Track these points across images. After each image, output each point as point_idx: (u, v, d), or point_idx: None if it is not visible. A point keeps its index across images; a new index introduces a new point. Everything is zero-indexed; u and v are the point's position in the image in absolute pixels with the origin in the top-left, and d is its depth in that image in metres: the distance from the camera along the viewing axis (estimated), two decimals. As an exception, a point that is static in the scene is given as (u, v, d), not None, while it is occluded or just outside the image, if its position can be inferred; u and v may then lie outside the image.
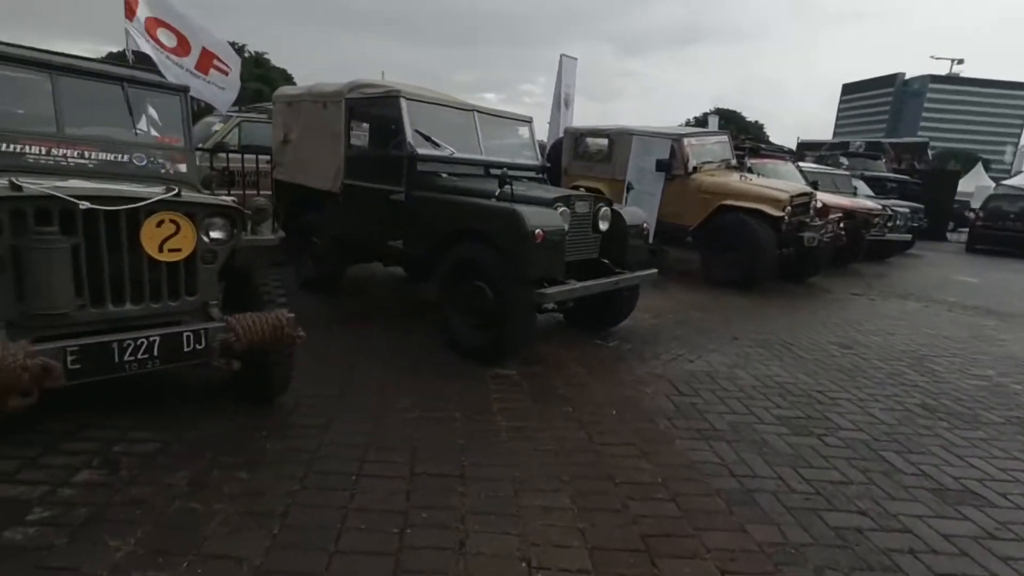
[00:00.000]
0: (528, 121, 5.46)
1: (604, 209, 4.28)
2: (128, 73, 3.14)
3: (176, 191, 2.38)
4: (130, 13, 4.75)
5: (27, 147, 2.77)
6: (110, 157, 3.03)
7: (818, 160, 13.89)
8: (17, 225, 2.03)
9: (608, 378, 3.87)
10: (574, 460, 2.75)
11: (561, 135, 9.41)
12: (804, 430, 3.28)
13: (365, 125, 4.73)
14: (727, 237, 6.95)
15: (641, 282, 4.54)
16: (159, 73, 4.61)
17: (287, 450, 2.60)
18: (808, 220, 7.37)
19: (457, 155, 4.46)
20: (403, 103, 4.26)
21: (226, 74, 5.50)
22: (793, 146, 18.25)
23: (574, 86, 11.38)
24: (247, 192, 6.39)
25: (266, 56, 37.90)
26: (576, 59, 11.53)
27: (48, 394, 2.01)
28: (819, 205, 7.63)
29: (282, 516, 2.13)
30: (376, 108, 4.53)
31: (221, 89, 5.43)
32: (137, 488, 2.22)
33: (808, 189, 7.74)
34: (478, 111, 4.88)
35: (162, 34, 5.00)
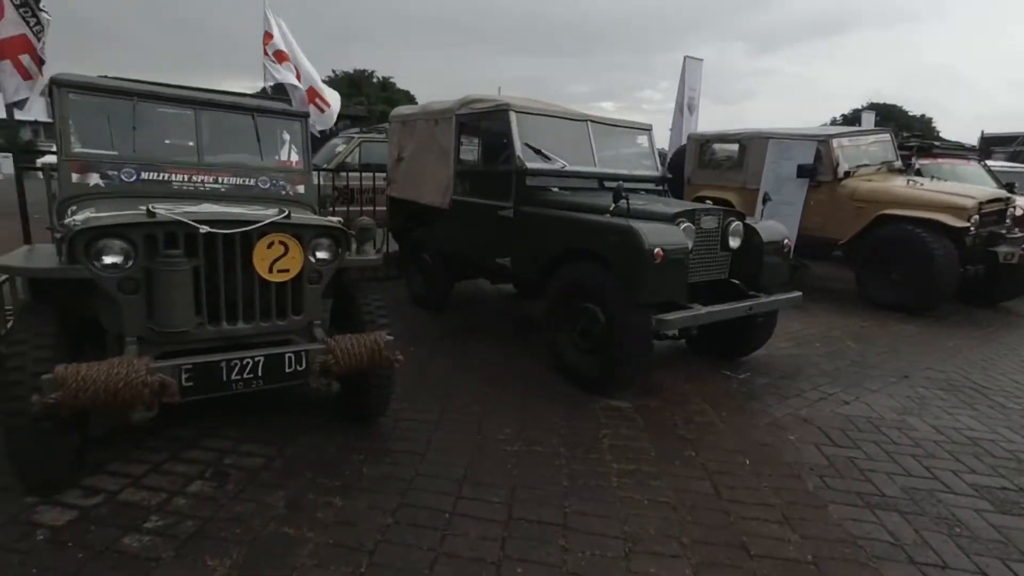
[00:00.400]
0: (647, 129, 5.09)
1: (735, 224, 3.77)
2: (256, 103, 3.38)
3: (286, 213, 2.43)
4: (265, 50, 5.29)
5: (173, 175, 3.06)
6: (239, 181, 3.26)
7: (1012, 157, 11.53)
8: (149, 248, 2.18)
9: (739, 418, 3.35)
10: (698, 519, 2.34)
11: (684, 142, 8.79)
12: (1016, 507, 2.51)
13: (475, 140, 4.71)
14: (890, 252, 5.89)
15: (780, 307, 3.93)
16: (290, 102, 5.04)
17: (382, 477, 2.52)
18: (1004, 231, 6.01)
19: (569, 168, 4.23)
20: (512, 116, 4.15)
21: (322, 111, 5.91)
22: (973, 141, 15.41)
23: (699, 89, 10.65)
24: (364, 208, 6.76)
25: (391, 80, 41.21)
26: (701, 60, 10.80)
27: (165, 408, 2.11)
28: (1019, 212, 6.20)
29: (370, 553, 2.03)
30: (485, 123, 4.49)
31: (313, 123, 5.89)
32: (239, 505, 2.26)
33: (1003, 194, 6.34)
34: (592, 120, 4.63)
35: (284, 67, 5.49)
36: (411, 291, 5.63)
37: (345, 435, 2.86)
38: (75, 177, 2.81)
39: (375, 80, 39.91)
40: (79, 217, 2.25)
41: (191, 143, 3.16)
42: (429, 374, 3.74)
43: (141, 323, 2.19)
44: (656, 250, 3.09)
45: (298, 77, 5.47)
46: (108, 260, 2.11)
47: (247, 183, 3.27)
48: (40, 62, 4.21)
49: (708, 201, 4.46)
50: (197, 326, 2.28)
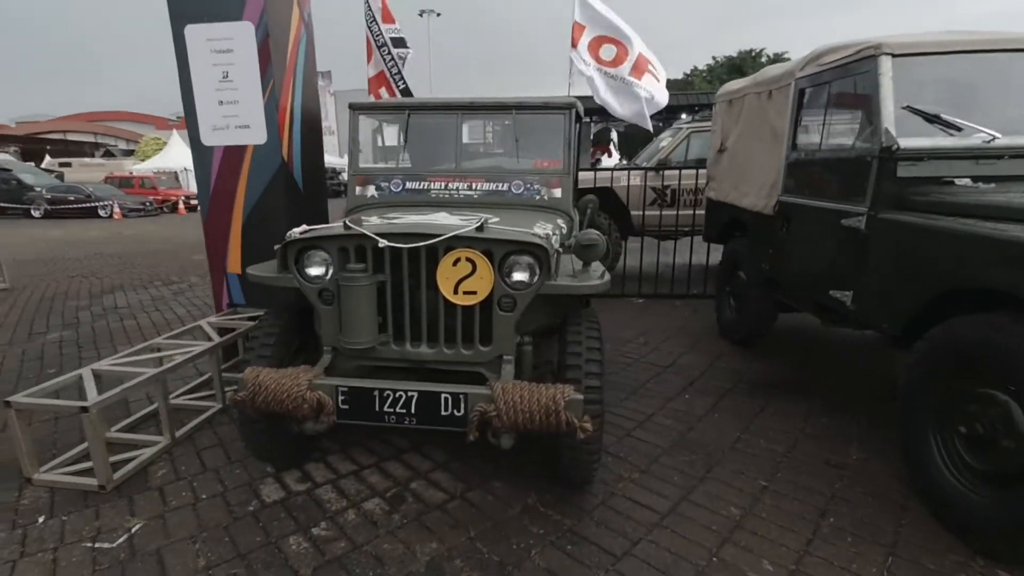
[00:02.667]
0: None
1: None
2: (517, 101, 3.10)
3: (479, 223, 2.03)
4: (574, 43, 5.04)
5: (432, 183, 3.10)
6: (491, 187, 3.07)
7: None
8: (345, 261, 2.13)
9: None
10: None
11: None
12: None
13: (821, 113, 3.28)
14: None
15: None
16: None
17: (547, 571, 1.86)
18: None
19: (1003, 142, 2.45)
20: (882, 63, 2.63)
21: (657, 80, 5.12)
22: None
23: None
24: (681, 212, 5.88)
25: (786, 56, 36.42)
26: None
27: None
28: None
29: None
30: (837, 83, 3.03)
31: (649, 98, 5.08)
32: (390, 542, 2.03)
33: None
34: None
35: (603, 50, 5.09)
36: (719, 316, 4.55)
37: (541, 495, 2.31)
38: (358, 190, 3.14)
39: (764, 59, 36.30)
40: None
41: (452, 151, 3.14)
42: (692, 439, 2.78)
43: (334, 335, 2.18)
44: None
45: (621, 55, 5.01)
46: (311, 271, 2.15)
47: (499, 188, 3.06)
48: (404, 94, 5.13)
49: None
50: (382, 344, 2.15)
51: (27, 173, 19.80)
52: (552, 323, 2.35)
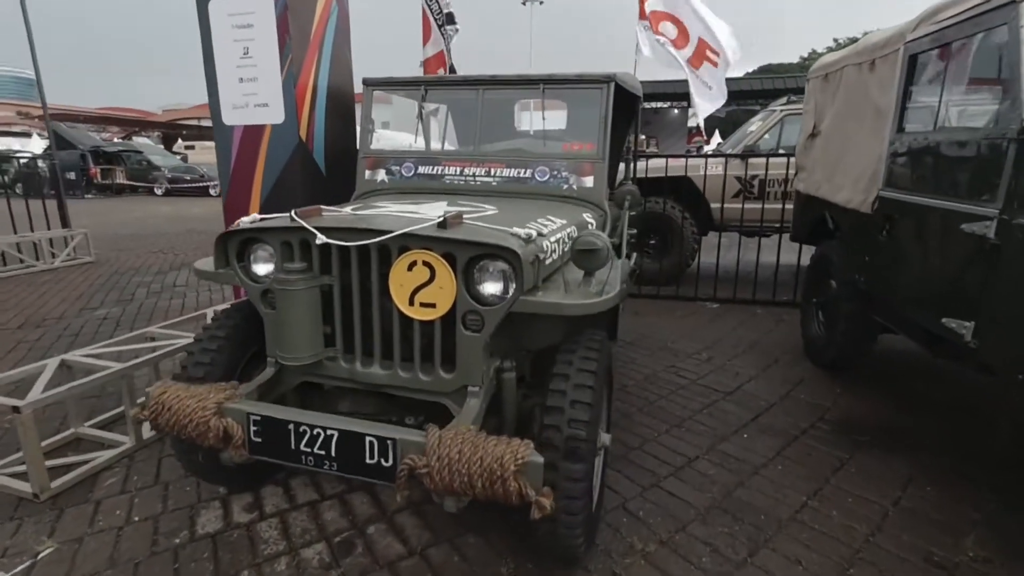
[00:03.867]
0: None
1: None
2: (547, 75, 2.69)
3: (440, 219, 1.68)
4: (642, 13, 4.48)
5: (446, 168, 2.80)
6: (512, 173, 2.71)
7: None
8: (288, 259, 1.85)
9: None
10: None
11: None
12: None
13: (938, 85, 2.53)
14: None
15: None
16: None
17: None
18: None
19: None
20: (1032, 12, 1.93)
21: (715, 65, 4.44)
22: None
23: None
24: (768, 206, 5.11)
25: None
26: None
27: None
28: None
29: None
30: (963, 45, 2.31)
31: (708, 88, 4.42)
32: None
33: None
34: None
35: (664, 26, 4.49)
36: (804, 331, 3.86)
37: (520, 563, 1.90)
38: (367, 174, 2.91)
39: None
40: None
41: (472, 132, 2.81)
42: (740, 500, 2.25)
43: (273, 346, 1.93)
44: None
45: (682, 36, 4.44)
46: (257, 268, 1.90)
47: (522, 175, 2.70)
48: (451, 72, 4.88)
49: None
50: (330, 360, 1.85)
51: (156, 155, 22.10)
52: (548, 346, 1.95)
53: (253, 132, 3.25)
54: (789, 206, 4.62)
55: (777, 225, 5.20)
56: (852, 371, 3.46)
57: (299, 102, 3.16)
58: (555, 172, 2.67)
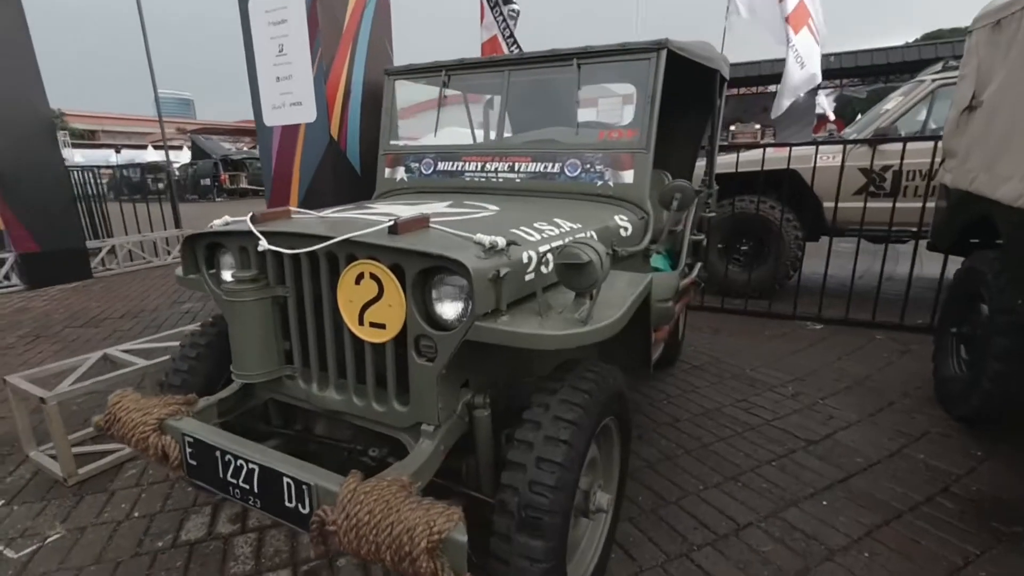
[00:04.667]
0: None
1: None
2: (582, 48, 2.25)
3: (390, 223, 1.37)
4: None
5: (467, 164, 2.47)
6: (539, 168, 2.33)
7: None
8: (246, 265, 1.66)
9: None
10: None
11: None
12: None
13: None
14: None
15: None
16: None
17: None
18: None
19: None
20: None
21: (816, 42, 3.59)
22: None
23: None
24: (900, 204, 4.12)
25: None
26: None
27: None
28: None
29: None
30: None
31: (800, 66, 3.59)
32: None
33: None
34: None
35: None
36: (937, 370, 3.02)
37: None
38: (387, 172, 2.67)
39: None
40: None
41: (495, 122, 2.46)
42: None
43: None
44: None
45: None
46: (226, 275, 1.74)
47: (548, 170, 2.31)
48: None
49: None
50: (289, 378, 1.64)
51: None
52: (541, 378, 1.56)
53: (290, 132, 3.17)
54: (932, 205, 3.71)
55: (914, 229, 4.23)
56: (1002, 429, 2.62)
57: (330, 99, 3.01)
58: (588, 166, 2.24)
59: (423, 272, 1.31)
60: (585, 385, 1.40)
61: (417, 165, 2.59)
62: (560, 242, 1.60)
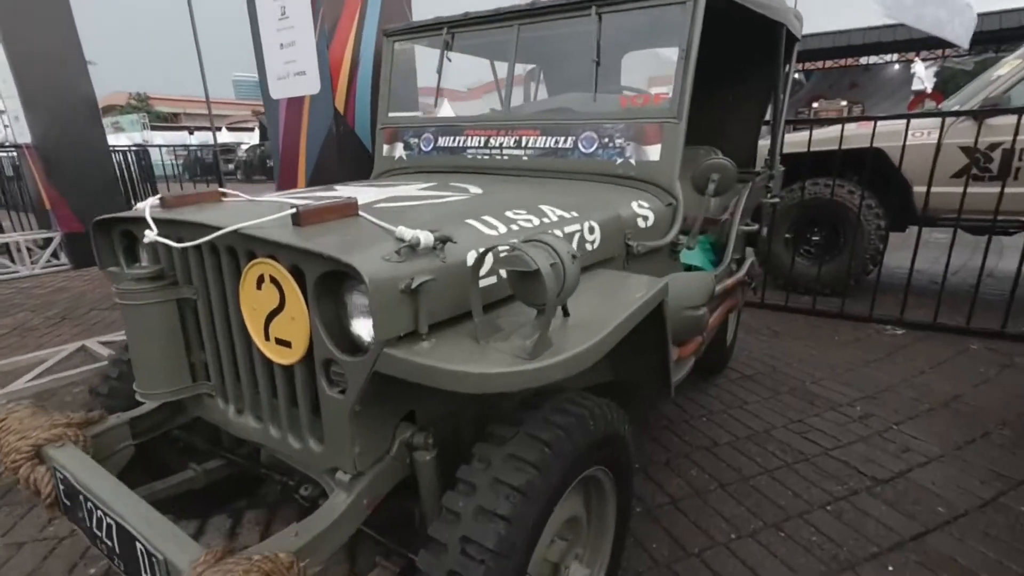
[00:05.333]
0: None
1: None
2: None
3: (292, 210, 1.07)
4: None
5: (469, 139, 2.13)
6: (549, 143, 1.95)
7: None
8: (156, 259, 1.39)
9: None
10: None
11: None
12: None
13: None
14: None
15: None
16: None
17: None
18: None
19: None
20: None
21: None
22: None
23: None
24: (1010, 189, 3.39)
25: None
26: None
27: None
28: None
29: None
30: None
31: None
32: None
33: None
34: None
35: None
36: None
37: None
38: (385, 149, 2.37)
39: None
40: None
41: (506, 87, 2.09)
42: None
43: None
44: None
45: None
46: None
47: (560, 145, 1.94)
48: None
49: None
50: (209, 397, 1.38)
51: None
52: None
53: (295, 105, 2.93)
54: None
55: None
56: None
57: (334, 68, 2.74)
58: (606, 140, 1.84)
59: (331, 277, 1.00)
60: (547, 434, 1.04)
61: (416, 141, 2.28)
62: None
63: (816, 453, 2.25)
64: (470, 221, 1.20)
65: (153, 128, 28.69)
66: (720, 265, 2.17)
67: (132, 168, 7.96)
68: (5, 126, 6.15)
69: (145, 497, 1.40)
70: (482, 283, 1.07)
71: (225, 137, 25.87)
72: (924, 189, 3.81)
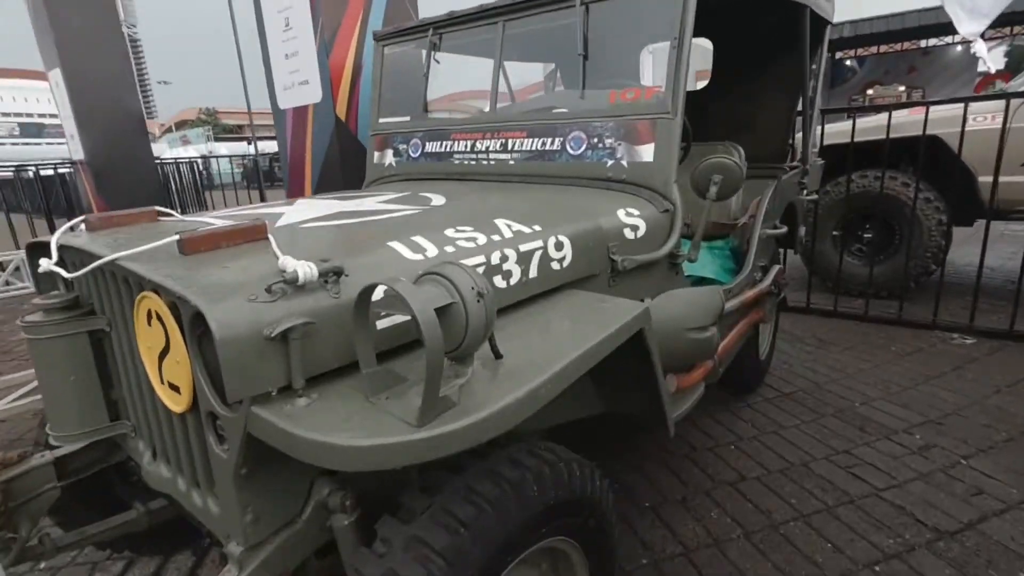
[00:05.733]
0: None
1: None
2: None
3: (177, 241, 0.92)
4: None
5: (456, 143, 1.95)
6: (535, 146, 1.75)
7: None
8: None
9: None
10: None
11: None
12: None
13: None
14: None
15: None
16: None
17: None
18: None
19: None
20: None
21: None
22: None
23: None
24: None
25: None
26: None
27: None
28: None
29: None
30: None
31: None
32: None
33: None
34: None
35: None
36: None
37: None
38: (376, 156, 2.23)
39: None
40: None
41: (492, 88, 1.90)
42: None
43: None
44: None
45: None
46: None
47: (547, 147, 1.73)
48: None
49: None
50: (132, 440, 1.25)
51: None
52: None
53: (300, 114, 2.85)
54: None
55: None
56: None
57: (335, 76, 2.63)
58: (595, 140, 1.62)
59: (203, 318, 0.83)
60: (465, 511, 0.83)
61: (405, 147, 2.12)
62: (476, 259, 1.05)
63: (864, 494, 1.92)
64: (393, 243, 1.01)
65: (217, 139, 30.24)
66: (740, 274, 1.89)
67: (190, 177, 8.20)
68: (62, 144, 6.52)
69: (78, 541, 1.29)
70: (388, 322, 0.88)
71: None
72: (990, 179, 3.33)
